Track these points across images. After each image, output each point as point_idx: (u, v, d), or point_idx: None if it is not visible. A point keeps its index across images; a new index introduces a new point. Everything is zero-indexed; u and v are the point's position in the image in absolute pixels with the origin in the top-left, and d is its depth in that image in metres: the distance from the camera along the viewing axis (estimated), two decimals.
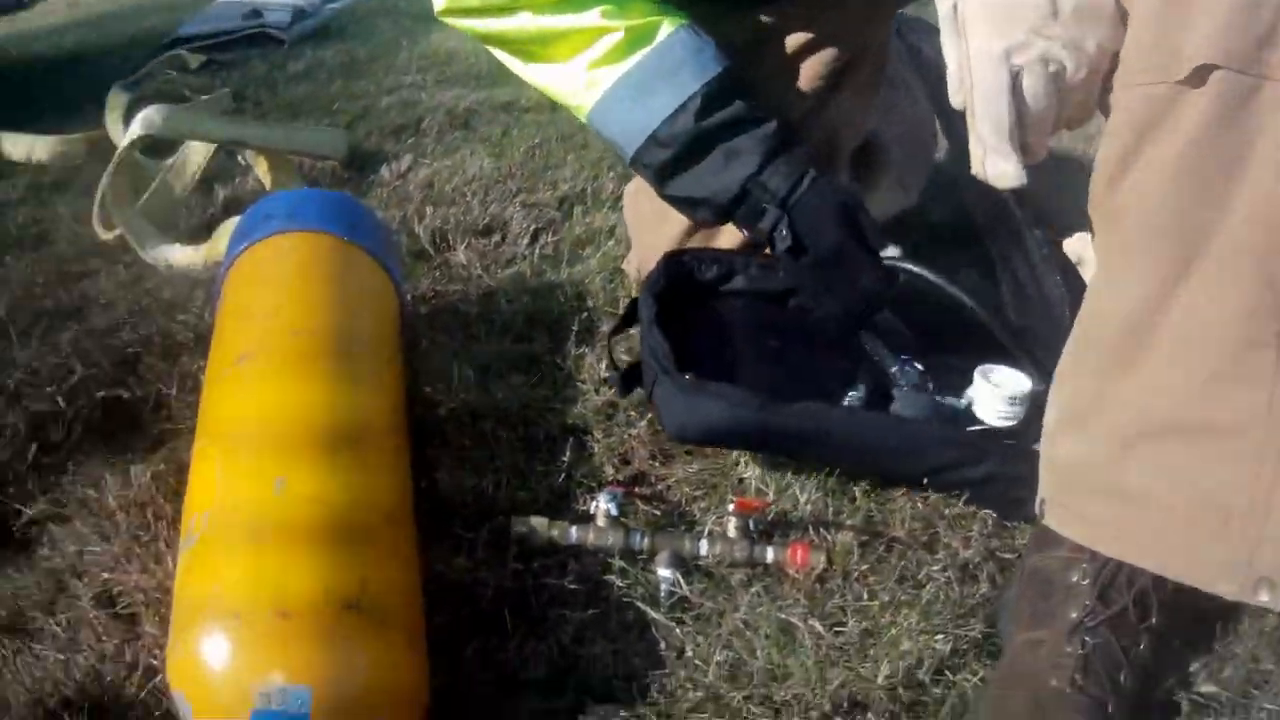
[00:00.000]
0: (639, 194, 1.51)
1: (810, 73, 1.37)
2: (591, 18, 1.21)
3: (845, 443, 1.16)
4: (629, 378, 1.28)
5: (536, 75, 1.31)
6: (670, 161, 1.23)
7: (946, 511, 1.16)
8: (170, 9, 4.49)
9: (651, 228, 1.49)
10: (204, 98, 2.54)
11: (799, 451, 1.19)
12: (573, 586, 1.07)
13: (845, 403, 1.22)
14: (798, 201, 1.19)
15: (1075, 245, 1.27)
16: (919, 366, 1.25)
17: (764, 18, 1.35)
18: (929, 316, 1.33)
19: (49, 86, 3.20)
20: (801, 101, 1.37)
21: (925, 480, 1.16)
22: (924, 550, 1.12)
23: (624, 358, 1.38)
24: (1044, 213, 1.41)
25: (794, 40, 1.35)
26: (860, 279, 1.20)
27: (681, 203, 1.31)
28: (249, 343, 1.09)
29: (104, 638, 1.02)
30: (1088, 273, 1.16)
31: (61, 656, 1.00)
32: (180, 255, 1.73)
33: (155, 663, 0.98)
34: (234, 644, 0.79)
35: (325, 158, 2.08)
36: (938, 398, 1.22)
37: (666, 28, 1.22)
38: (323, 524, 0.87)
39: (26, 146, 2.40)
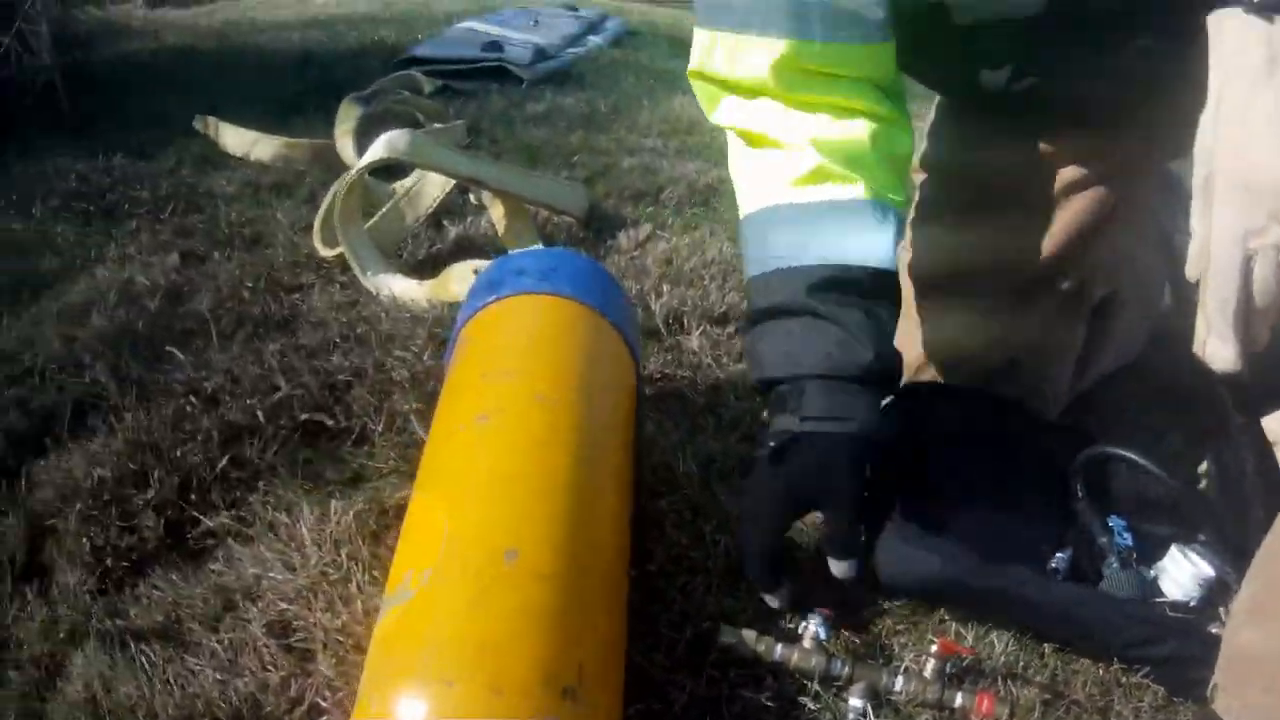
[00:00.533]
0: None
1: (1075, 213, 1.40)
2: (811, 129, 1.22)
3: (1047, 612, 1.19)
4: None
5: (743, 161, 1.32)
6: (765, 311, 1.23)
7: (1124, 680, 1.17)
8: (403, 22, 4.73)
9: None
10: (438, 126, 2.67)
11: (1002, 611, 1.22)
12: (768, 704, 1.08)
13: (1053, 565, 1.26)
14: (810, 435, 1.17)
15: (1274, 425, 1.26)
16: (1128, 539, 1.28)
17: (1044, 145, 1.38)
18: (1133, 479, 1.35)
19: (271, 82, 3.39)
20: (1061, 244, 1.40)
21: (1112, 654, 1.18)
22: (1098, 716, 1.13)
23: None
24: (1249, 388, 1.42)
25: (1065, 175, 1.38)
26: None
27: (747, 350, 1.31)
28: (489, 402, 1.13)
29: (269, 667, 1.07)
30: None
31: (220, 677, 1.05)
32: (402, 287, 1.82)
33: (325, 704, 1.03)
34: (441, 710, 0.82)
35: (564, 212, 2.16)
36: (1140, 570, 1.25)
37: (862, 191, 1.22)
38: (549, 603, 0.90)
39: (248, 143, 2.56)
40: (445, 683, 0.83)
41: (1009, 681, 1.15)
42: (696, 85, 1.29)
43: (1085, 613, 1.20)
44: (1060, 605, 1.20)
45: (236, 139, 2.61)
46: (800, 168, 1.21)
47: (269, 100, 3.07)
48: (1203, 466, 1.45)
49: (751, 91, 1.24)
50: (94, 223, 2.12)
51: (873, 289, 1.20)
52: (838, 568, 1.17)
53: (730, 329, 1.83)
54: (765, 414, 1.26)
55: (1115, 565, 1.25)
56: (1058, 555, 1.27)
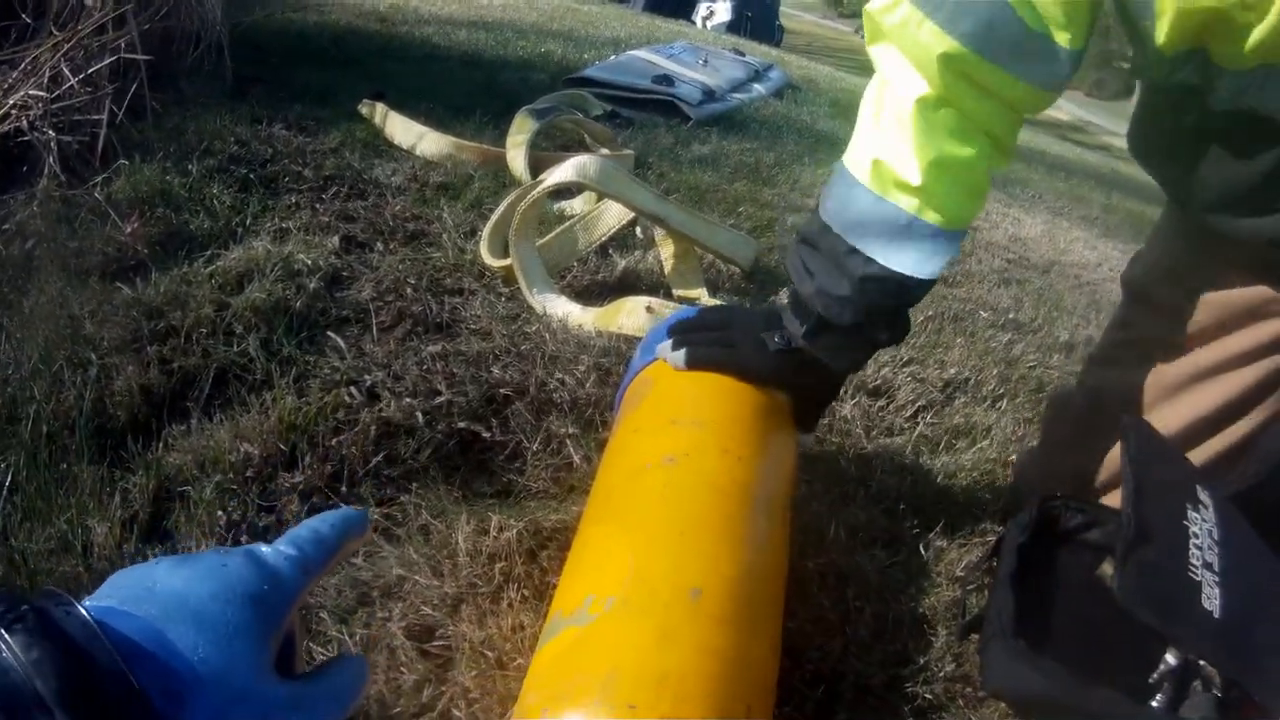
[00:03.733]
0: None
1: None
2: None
3: None
4: (971, 625, 1.36)
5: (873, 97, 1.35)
6: (826, 239, 1.30)
7: None
8: (570, 38, 4.83)
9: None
10: (605, 152, 2.73)
11: None
12: None
13: (1154, 703, 1.28)
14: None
15: None
16: (1216, 691, 1.30)
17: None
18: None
19: (437, 77, 3.47)
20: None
21: None
22: None
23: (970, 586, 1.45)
24: None
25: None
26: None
27: (798, 239, 1.38)
28: (674, 446, 1.18)
29: (403, 669, 1.10)
30: None
31: None
32: (567, 309, 1.86)
33: (459, 713, 1.06)
34: None
35: (732, 261, 2.19)
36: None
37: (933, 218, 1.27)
38: (727, 645, 0.95)
39: (415, 136, 2.63)
40: (628, 705, 0.87)
41: None
42: (867, 18, 1.31)
43: None
44: None
45: (404, 130, 2.67)
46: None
47: (435, 95, 3.14)
48: None
49: (911, 57, 1.26)
50: (252, 191, 2.17)
51: (913, 288, 1.28)
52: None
53: (883, 402, 1.88)
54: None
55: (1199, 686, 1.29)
56: (1158, 695, 1.30)
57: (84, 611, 0.52)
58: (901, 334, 1.35)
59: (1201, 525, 1.35)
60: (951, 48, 1.19)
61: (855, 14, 43.56)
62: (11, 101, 2.16)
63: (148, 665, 0.53)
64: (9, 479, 1.30)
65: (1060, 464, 1.65)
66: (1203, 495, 1.38)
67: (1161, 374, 1.52)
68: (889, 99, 1.27)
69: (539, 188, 1.98)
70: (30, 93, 2.19)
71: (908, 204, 1.25)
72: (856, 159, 1.29)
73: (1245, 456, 1.51)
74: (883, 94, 1.28)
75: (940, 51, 1.20)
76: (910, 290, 1.29)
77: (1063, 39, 1.19)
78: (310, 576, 0.66)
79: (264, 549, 0.65)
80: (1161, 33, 1.18)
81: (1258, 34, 1.09)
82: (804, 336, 1.30)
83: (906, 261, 1.26)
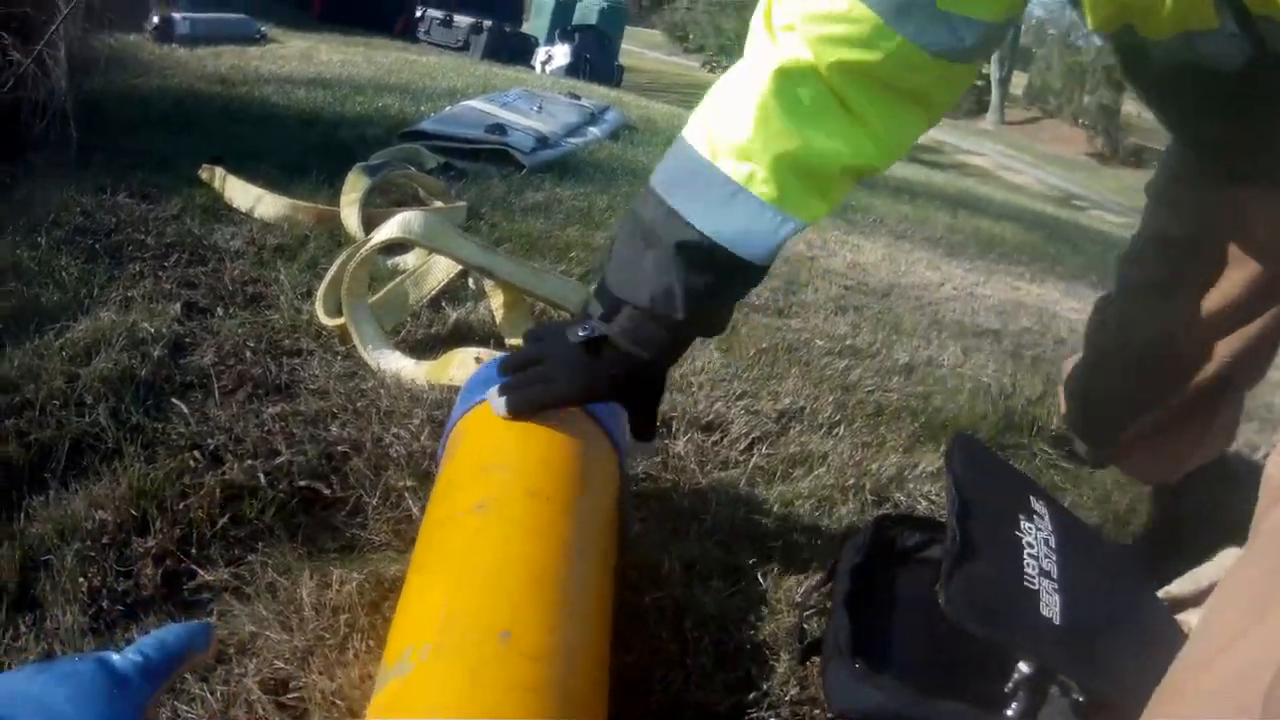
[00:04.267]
0: None
1: (1237, 283, 1.62)
2: None
3: None
4: (811, 649, 1.45)
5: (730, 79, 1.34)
6: (641, 223, 1.31)
7: None
8: (407, 92, 4.92)
9: None
10: (438, 204, 2.85)
11: None
12: None
13: (1009, 713, 1.34)
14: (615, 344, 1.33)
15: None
16: (1076, 695, 1.34)
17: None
18: None
19: (275, 137, 3.56)
20: (1218, 319, 1.64)
21: None
22: None
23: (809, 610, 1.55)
24: None
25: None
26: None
27: (615, 233, 1.44)
28: (484, 493, 1.27)
29: None
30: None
31: None
32: (400, 364, 1.97)
33: None
34: None
35: (561, 307, 2.31)
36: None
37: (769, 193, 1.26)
38: (540, 682, 1.02)
39: (252, 198, 2.71)
40: None
41: None
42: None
43: None
44: None
45: (241, 193, 2.75)
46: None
47: (273, 155, 3.22)
48: None
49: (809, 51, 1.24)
50: (98, 260, 2.24)
51: (728, 269, 1.29)
52: (641, 449, 1.46)
53: (716, 436, 1.99)
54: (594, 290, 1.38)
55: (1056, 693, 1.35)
56: (1013, 704, 1.35)
57: None
58: (712, 322, 1.37)
59: (1036, 535, 1.42)
60: (864, 32, 1.20)
61: (701, 49, 43.67)
62: None
63: None
64: None
65: (1104, 375, 1.83)
66: (1037, 505, 1.47)
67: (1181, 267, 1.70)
68: (746, 73, 1.26)
69: (366, 246, 2.07)
70: None
71: (736, 171, 1.24)
72: (693, 125, 1.29)
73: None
74: (741, 71, 1.27)
75: (850, 34, 1.20)
76: (728, 272, 1.28)
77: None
78: (156, 683, 0.78)
79: (114, 657, 0.77)
80: (1089, 19, 1.36)
81: (1165, 14, 1.28)
82: (601, 318, 1.31)
83: (724, 231, 1.25)
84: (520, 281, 2.17)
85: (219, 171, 2.85)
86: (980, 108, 43.97)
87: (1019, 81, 47.73)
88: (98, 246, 2.33)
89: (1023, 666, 1.34)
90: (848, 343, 2.72)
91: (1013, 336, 3.33)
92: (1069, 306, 3.95)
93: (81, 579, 1.37)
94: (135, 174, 2.85)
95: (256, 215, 2.70)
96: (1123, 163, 39.19)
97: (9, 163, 2.58)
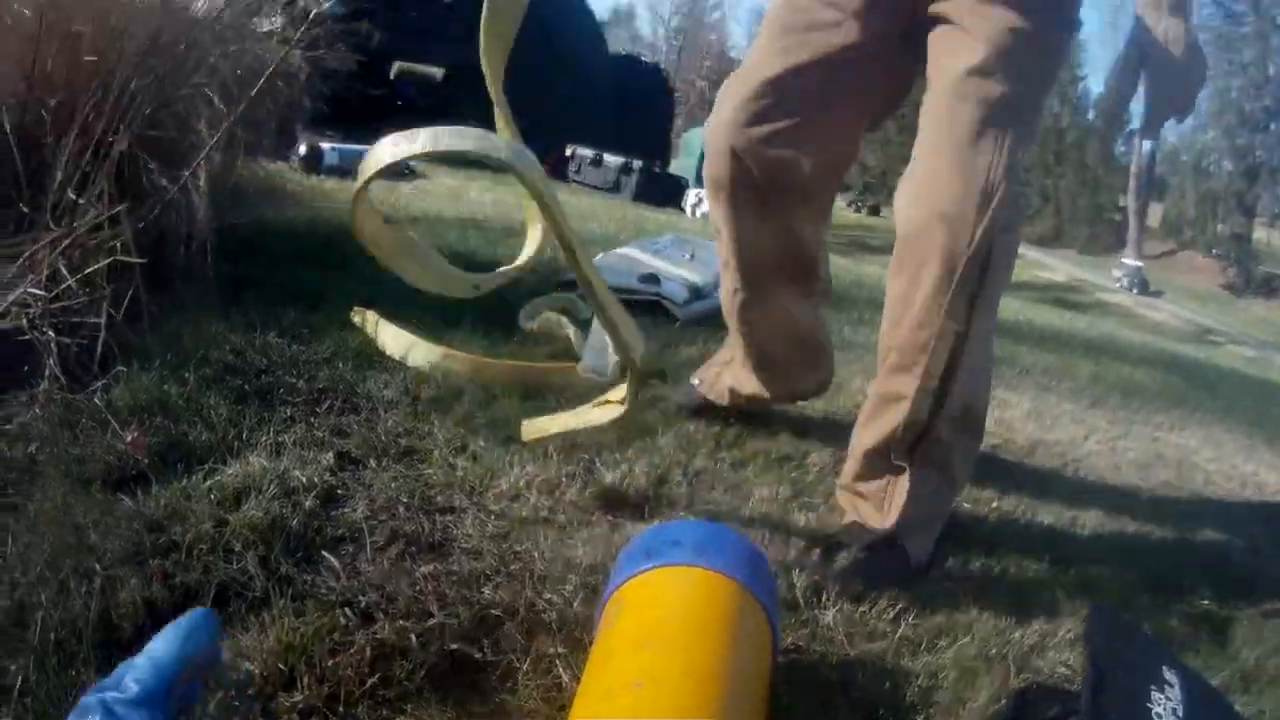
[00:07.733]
0: None
1: None
2: None
3: None
4: None
5: None
6: None
7: None
8: None
9: None
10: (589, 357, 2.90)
11: None
12: None
13: None
14: None
15: None
16: None
17: None
18: None
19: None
20: None
21: None
22: None
23: None
24: None
25: None
26: None
27: None
28: (642, 670, 1.32)
29: None
30: None
31: None
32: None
33: None
34: None
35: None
36: None
37: None
38: None
39: (405, 345, 2.79)
40: None
41: None
42: None
43: None
44: None
45: (394, 339, 2.82)
46: None
47: (425, 300, 3.28)
48: None
49: None
50: (249, 402, 2.32)
51: None
52: None
53: (864, 607, 2.00)
54: None
55: None
56: None
57: None
58: None
59: (1165, 705, 1.47)
60: None
61: (848, 187, 44.17)
62: (11, 298, 2.30)
63: None
64: (19, 682, 1.40)
65: None
66: (1169, 675, 1.51)
67: None
68: None
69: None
70: (29, 290, 2.34)
71: None
72: None
73: None
74: None
75: None
76: None
77: None
78: (166, 702, 0.81)
79: (118, 706, 0.81)
80: None
81: None
82: None
83: None
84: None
85: (370, 315, 2.93)
86: (1120, 242, 44.06)
87: (1155, 214, 47.74)
88: (247, 387, 2.42)
89: None
90: (993, 505, 2.73)
91: (1151, 492, 3.30)
92: (1205, 456, 3.91)
93: None
94: (286, 312, 2.96)
95: (409, 363, 2.77)
96: (1255, 293, 39.87)
97: (155, 293, 2.66)
